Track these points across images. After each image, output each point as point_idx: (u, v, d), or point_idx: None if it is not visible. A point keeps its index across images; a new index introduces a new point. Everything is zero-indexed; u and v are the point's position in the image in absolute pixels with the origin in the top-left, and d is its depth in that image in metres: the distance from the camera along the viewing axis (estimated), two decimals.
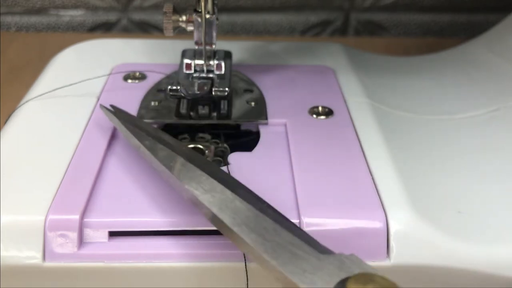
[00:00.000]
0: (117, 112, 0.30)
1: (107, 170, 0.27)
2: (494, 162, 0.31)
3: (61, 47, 0.40)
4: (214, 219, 0.22)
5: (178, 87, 0.31)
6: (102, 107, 0.30)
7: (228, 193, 0.23)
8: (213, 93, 0.31)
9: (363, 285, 0.18)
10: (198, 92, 0.31)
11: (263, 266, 0.20)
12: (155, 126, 0.31)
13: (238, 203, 0.22)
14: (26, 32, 0.58)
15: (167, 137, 0.27)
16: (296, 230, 0.21)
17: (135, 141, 0.27)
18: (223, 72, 0.33)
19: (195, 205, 0.23)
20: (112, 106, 0.30)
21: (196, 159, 0.25)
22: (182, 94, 0.31)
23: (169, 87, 0.31)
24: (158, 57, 0.39)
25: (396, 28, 0.59)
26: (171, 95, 0.31)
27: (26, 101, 0.33)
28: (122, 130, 0.28)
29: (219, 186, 0.23)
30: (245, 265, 0.24)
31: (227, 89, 0.31)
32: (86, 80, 0.35)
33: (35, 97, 0.33)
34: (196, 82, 0.32)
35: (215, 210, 0.22)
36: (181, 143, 0.28)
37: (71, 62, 0.38)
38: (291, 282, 0.19)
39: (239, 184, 0.24)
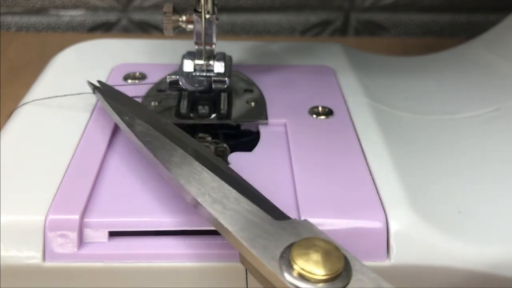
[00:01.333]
0: (103, 88, 0.31)
1: (107, 170, 0.27)
2: (494, 162, 0.31)
3: (61, 47, 0.40)
4: (181, 190, 0.23)
5: (177, 77, 0.31)
6: (89, 83, 0.32)
7: (196, 164, 0.24)
8: (213, 85, 0.31)
9: (305, 250, 0.19)
10: (197, 85, 0.31)
11: (225, 235, 0.21)
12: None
13: (205, 174, 0.23)
14: (26, 32, 0.58)
15: (148, 113, 0.28)
16: (257, 198, 0.23)
17: (116, 117, 0.28)
18: (223, 71, 0.33)
19: (167, 178, 0.24)
20: (99, 82, 0.32)
21: (173, 133, 0.26)
22: (183, 86, 0.31)
23: (169, 79, 0.31)
24: (158, 57, 0.39)
25: (396, 28, 0.59)
26: (172, 87, 0.31)
27: (24, 103, 0.33)
28: (105, 106, 0.29)
29: (187, 158, 0.24)
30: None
31: (226, 79, 0.31)
32: (73, 94, 0.34)
33: (33, 101, 0.33)
34: (196, 78, 0.32)
35: (182, 181, 0.23)
36: (162, 119, 0.28)
37: (71, 62, 0.38)
38: (245, 248, 0.20)
39: (209, 154, 0.25)
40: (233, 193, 0.22)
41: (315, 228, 0.21)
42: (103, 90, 0.31)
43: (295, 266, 0.19)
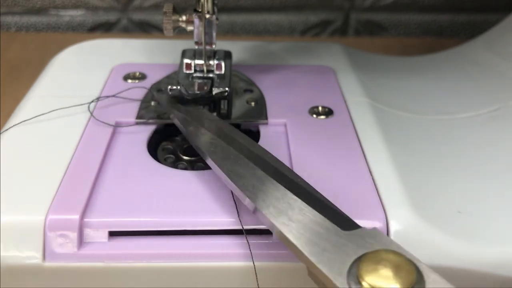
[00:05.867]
0: (172, 98, 0.32)
1: (107, 170, 0.27)
2: (494, 162, 0.31)
3: (61, 47, 0.40)
4: (246, 201, 0.23)
5: (178, 87, 0.31)
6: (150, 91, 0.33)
7: (260, 173, 0.24)
8: (213, 93, 0.31)
9: (374, 264, 0.18)
10: (198, 92, 0.31)
11: (291, 248, 0.20)
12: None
13: (269, 183, 0.23)
14: (26, 32, 0.58)
15: (213, 121, 0.29)
16: (323, 206, 0.22)
17: (181, 127, 0.29)
18: (223, 72, 0.33)
19: (232, 189, 0.24)
20: (170, 95, 0.32)
21: (238, 140, 0.26)
22: (184, 96, 0.31)
23: (169, 87, 0.31)
24: (158, 57, 0.39)
25: (396, 28, 0.59)
26: (171, 95, 0.31)
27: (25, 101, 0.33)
28: (171, 116, 0.30)
29: (251, 167, 0.24)
30: (254, 265, 0.24)
31: (227, 89, 0.31)
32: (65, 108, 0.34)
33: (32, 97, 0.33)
34: (196, 82, 0.32)
35: (247, 193, 0.22)
36: (226, 126, 0.28)
37: (71, 62, 0.38)
38: (311, 262, 0.19)
39: (273, 160, 0.25)
40: (298, 202, 0.22)
41: (385, 238, 0.20)
42: (171, 101, 0.31)
43: (363, 283, 0.18)
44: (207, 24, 0.31)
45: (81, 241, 0.24)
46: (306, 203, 0.22)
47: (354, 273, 0.18)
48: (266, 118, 0.32)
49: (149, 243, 0.24)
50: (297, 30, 0.59)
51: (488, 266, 0.25)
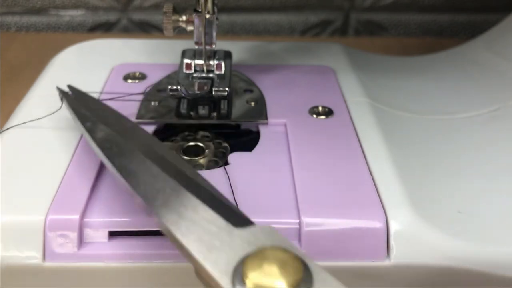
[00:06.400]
0: (73, 93, 0.30)
1: (107, 170, 0.27)
2: (494, 162, 0.31)
3: (61, 47, 0.40)
4: (135, 198, 0.21)
5: (178, 87, 0.31)
6: (57, 88, 0.30)
7: (155, 169, 0.22)
8: (213, 93, 0.31)
9: (259, 261, 0.17)
10: (198, 92, 0.31)
11: (178, 248, 0.19)
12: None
13: (164, 181, 0.21)
14: (26, 32, 0.58)
15: (116, 118, 0.27)
16: (219, 205, 0.21)
17: (78, 123, 0.26)
18: (223, 72, 0.33)
19: (123, 187, 0.22)
20: (69, 86, 0.31)
21: (139, 138, 0.25)
22: (182, 94, 0.31)
23: (169, 87, 0.31)
24: (158, 57, 0.39)
25: (396, 28, 0.59)
26: (171, 95, 0.31)
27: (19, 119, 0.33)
28: (70, 112, 0.28)
29: (147, 163, 0.22)
30: None
31: (227, 89, 0.31)
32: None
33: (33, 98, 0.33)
34: (196, 82, 0.32)
35: (137, 190, 0.21)
36: (129, 123, 0.27)
37: (71, 62, 0.38)
38: (196, 261, 0.18)
39: (175, 160, 0.23)
40: (192, 200, 0.20)
41: (277, 235, 0.19)
42: (71, 97, 0.30)
43: (247, 281, 0.17)
44: (207, 24, 0.31)
45: (81, 241, 0.24)
46: (201, 200, 0.20)
47: (240, 271, 0.17)
48: (266, 118, 0.32)
49: (149, 243, 0.24)
50: (297, 30, 0.59)
51: (488, 266, 0.25)
